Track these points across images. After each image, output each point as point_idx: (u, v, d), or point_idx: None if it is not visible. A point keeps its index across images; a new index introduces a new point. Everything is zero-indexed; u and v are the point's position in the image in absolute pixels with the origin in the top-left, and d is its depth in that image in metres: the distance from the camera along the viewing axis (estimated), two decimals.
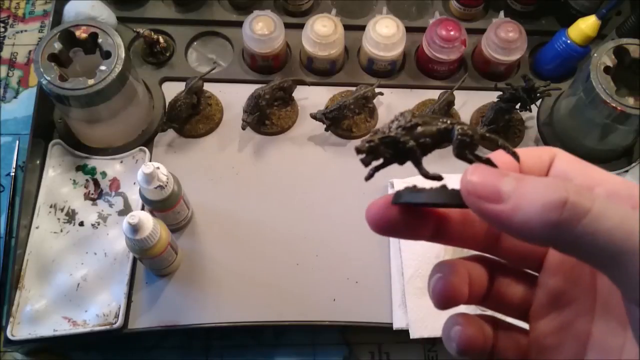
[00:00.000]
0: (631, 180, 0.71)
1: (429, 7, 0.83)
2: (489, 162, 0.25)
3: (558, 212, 0.20)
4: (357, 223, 0.59)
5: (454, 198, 0.24)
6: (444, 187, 0.25)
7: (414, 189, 0.26)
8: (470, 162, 0.25)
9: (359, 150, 0.25)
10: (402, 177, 0.66)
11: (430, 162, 0.26)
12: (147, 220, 0.56)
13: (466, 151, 0.25)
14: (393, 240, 0.67)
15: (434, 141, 0.25)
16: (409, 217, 0.26)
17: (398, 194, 0.26)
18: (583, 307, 0.26)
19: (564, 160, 0.26)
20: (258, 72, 0.78)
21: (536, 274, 0.29)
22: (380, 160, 0.26)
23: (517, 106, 0.70)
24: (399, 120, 0.25)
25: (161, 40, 0.77)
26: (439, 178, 0.25)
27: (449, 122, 0.25)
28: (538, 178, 0.22)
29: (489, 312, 0.30)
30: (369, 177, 0.27)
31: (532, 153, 0.27)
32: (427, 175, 0.25)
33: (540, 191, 0.21)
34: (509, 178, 0.22)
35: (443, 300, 0.27)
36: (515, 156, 0.25)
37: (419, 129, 0.25)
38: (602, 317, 0.25)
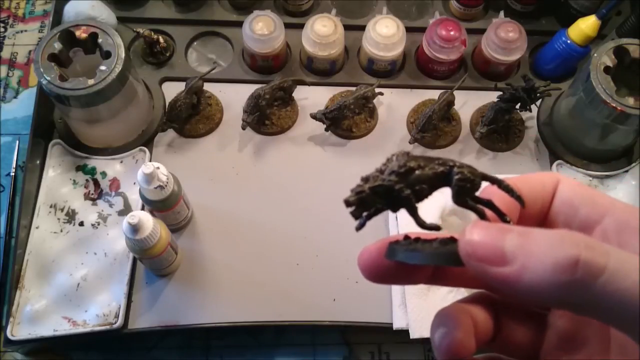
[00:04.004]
0: (631, 181, 0.72)
1: (429, 7, 0.83)
2: (490, 205, 0.23)
3: (570, 273, 0.19)
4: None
5: (453, 259, 0.21)
6: (442, 242, 0.23)
7: (409, 246, 0.24)
8: (471, 209, 0.23)
9: (348, 203, 0.23)
10: None
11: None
12: (147, 220, 0.56)
13: (467, 198, 0.23)
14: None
15: (430, 186, 0.23)
16: (404, 265, 0.25)
17: (392, 249, 0.24)
18: (597, 348, 0.24)
19: (568, 188, 0.25)
20: (258, 72, 0.78)
21: (545, 312, 0.27)
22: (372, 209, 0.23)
23: (517, 106, 0.70)
24: (392, 164, 0.23)
25: (161, 40, 0.77)
26: (436, 229, 0.24)
27: (447, 164, 0.23)
28: (545, 232, 0.20)
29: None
30: (360, 227, 0.24)
31: (534, 181, 0.25)
32: (423, 226, 0.24)
33: (548, 249, 0.19)
34: (512, 234, 0.20)
35: (449, 358, 0.25)
36: (520, 200, 0.24)
37: (416, 173, 0.23)
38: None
